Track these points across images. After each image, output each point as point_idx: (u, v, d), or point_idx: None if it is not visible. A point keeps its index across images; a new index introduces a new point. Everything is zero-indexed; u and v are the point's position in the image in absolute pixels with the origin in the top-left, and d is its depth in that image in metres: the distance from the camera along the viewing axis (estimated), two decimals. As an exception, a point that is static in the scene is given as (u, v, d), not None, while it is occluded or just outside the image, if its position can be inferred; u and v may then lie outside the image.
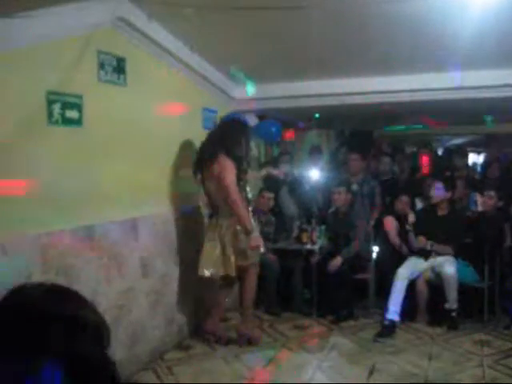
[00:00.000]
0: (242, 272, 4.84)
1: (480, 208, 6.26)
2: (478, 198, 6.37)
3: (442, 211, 5.83)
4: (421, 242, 5.73)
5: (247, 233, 4.62)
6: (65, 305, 1.01)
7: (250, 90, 5.72)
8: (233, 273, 4.70)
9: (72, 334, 0.96)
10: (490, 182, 6.98)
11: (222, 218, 4.73)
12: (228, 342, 5.01)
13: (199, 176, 4.82)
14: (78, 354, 0.95)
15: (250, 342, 4.97)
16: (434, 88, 5.35)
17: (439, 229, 5.68)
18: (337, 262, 5.81)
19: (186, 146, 5.04)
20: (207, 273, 4.69)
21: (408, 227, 5.91)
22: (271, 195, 6.33)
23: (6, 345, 0.92)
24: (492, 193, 5.88)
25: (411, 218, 5.96)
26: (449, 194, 5.83)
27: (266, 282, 5.93)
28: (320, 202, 7.17)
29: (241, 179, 4.68)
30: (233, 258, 4.66)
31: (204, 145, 4.80)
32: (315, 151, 8.14)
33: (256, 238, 4.71)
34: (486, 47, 4.43)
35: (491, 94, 5.31)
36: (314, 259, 5.90)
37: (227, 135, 4.72)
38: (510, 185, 6.74)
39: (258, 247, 4.74)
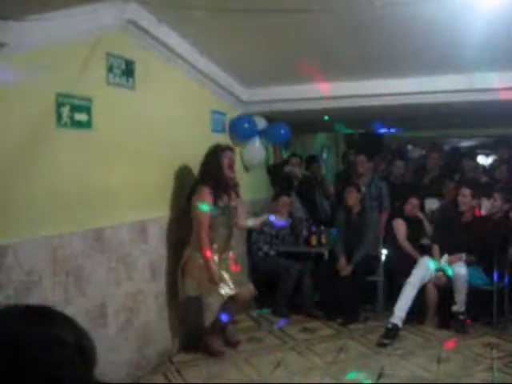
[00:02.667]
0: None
1: (484, 212, 6.22)
2: (483, 203, 6.33)
3: (466, 218, 5.79)
4: (434, 251, 5.71)
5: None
6: (39, 326, 0.98)
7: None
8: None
9: (49, 356, 0.93)
10: (498, 184, 6.94)
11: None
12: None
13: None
14: (57, 376, 0.92)
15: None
16: (444, 90, 5.33)
17: (462, 236, 5.64)
18: (347, 270, 5.81)
19: (195, 148, 5.04)
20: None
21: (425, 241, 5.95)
22: (289, 200, 6.33)
23: None
24: (498, 195, 5.83)
25: (427, 226, 6.01)
26: (474, 202, 5.78)
27: (280, 285, 5.95)
28: (328, 205, 7.18)
29: (219, 205, 4.57)
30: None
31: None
32: (310, 160, 7.94)
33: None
34: (496, 49, 4.42)
35: (501, 97, 5.28)
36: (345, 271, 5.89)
37: (203, 163, 4.66)
38: None
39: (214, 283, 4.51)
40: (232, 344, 5.01)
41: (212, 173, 4.57)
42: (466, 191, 5.72)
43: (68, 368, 0.94)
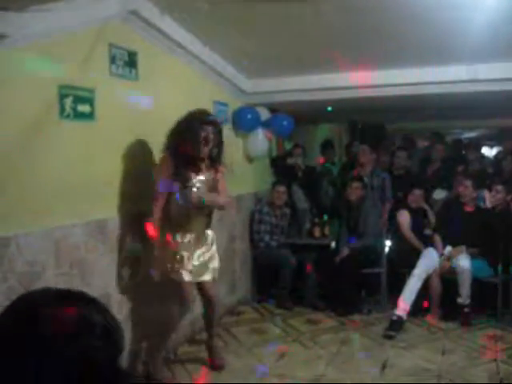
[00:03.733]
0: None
1: (488, 204, 6.21)
2: (486, 195, 6.32)
3: (469, 208, 5.78)
4: (437, 243, 5.70)
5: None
6: (67, 307, 0.97)
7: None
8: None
9: (75, 336, 0.92)
10: (504, 175, 6.91)
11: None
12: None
13: None
14: (83, 357, 0.91)
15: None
16: (447, 81, 5.29)
17: (464, 226, 5.64)
18: (343, 253, 5.80)
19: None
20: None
21: (428, 231, 5.93)
22: (284, 189, 6.32)
23: (11, 347, 0.90)
24: (499, 187, 5.80)
25: (431, 217, 5.98)
26: (475, 193, 5.78)
27: (280, 276, 5.95)
28: (332, 195, 7.18)
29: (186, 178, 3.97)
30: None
31: None
32: (327, 145, 8.24)
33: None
34: (500, 39, 4.38)
35: (505, 87, 5.25)
36: (341, 255, 5.88)
37: (172, 131, 4.04)
38: None
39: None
40: (215, 367, 4.35)
41: (184, 148, 3.97)
42: (468, 182, 5.71)
43: (95, 351, 0.93)
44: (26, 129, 3.13)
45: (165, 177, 3.93)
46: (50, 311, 0.94)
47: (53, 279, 3.30)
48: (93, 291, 3.60)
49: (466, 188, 5.69)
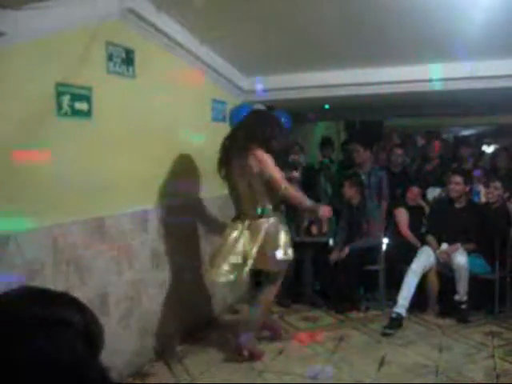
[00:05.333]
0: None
1: (483, 199, 6.22)
2: (481, 190, 6.32)
3: (459, 204, 5.79)
4: (431, 243, 5.71)
5: (311, 209, 4.51)
6: (41, 306, 0.94)
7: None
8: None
9: (47, 336, 0.89)
10: (498, 172, 6.91)
11: (248, 218, 4.39)
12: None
13: (223, 173, 4.52)
14: (55, 358, 0.88)
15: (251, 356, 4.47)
16: (446, 78, 5.30)
17: (457, 222, 5.64)
18: (342, 253, 5.80)
19: (196, 137, 5.03)
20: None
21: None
22: None
23: None
24: (497, 183, 5.81)
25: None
26: (467, 188, 5.78)
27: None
28: (330, 193, 7.19)
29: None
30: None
31: (230, 139, 4.49)
32: (326, 142, 8.25)
33: (323, 207, 4.51)
34: (498, 36, 4.39)
35: (503, 84, 5.26)
36: (334, 256, 5.87)
37: (260, 128, 4.35)
38: None
39: (328, 213, 4.53)
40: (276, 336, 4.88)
41: (273, 145, 4.33)
42: (458, 178, 5.71)
43: (68, 349, 0.90)
44: (24, 127, 3.14)
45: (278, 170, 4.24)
46: (26, 311, 0.93)
47: (51, 277, 3.31)
48: (90, 289, 3.64)
49: (457, 184, 5.70)
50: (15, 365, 0.85)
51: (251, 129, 4.37)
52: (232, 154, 4.40)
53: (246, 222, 4.37)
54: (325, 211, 4.47)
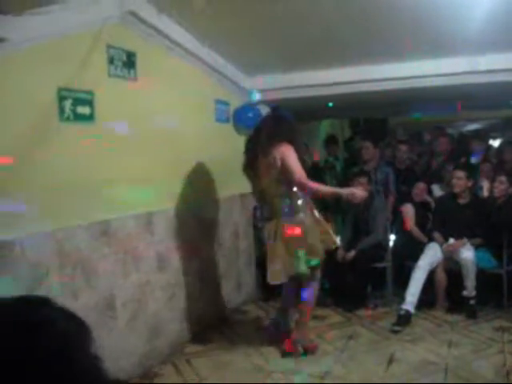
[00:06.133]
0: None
1: (486, 194, 6.18)
2: (485, 184, 6.29)
3: (463, 200, 5.76)
4: (437, 239, 5.69)
5: (335, 194, 4.53)
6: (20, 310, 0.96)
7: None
8: (306, 270, 4.35)
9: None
10: (505, 166, 6.88)
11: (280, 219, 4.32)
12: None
13: (249, 173, 4.51)
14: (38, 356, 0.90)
15: (305, 350, 4.55)
16: (448, 73, 5.28)
17: (461, 218, 5.62)
18: (349, 255, 5.78)
19: (200, 138, 5.03)
20: (283, 278, 4.38)
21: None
22: None
23: None
24: (503, 178, 5.77)
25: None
26: (470, 183, 5.76)
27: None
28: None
29: None
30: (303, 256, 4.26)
31: (253, 141, 4.46)
32: (331, 140, 8.26)
33: (352, 191, 4.43)
34: (499, 30, 4.37)
35: (504, 78, 5.23)
36: (341, 255, 5.85)
37: (281, 128, 4.33)
38: None
39: (363, 195, 4.48)
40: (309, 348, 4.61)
41: (299, 149, 4.34)
42: (460, 173, 5.68)
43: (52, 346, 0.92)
44: (27, 132, 3.14)
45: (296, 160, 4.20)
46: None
47: (57, 281, 3.32)
48: (97, 293, 3.65)
49: (459, 179, 5.67)
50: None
51: (273, 127, 4.33)
52: (257, 153, 4.36)
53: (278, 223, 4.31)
54: (359, 193, 4.39)
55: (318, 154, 8.01)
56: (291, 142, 4.27)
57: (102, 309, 3.73)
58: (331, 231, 4.55)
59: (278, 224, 4.29)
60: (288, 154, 4.17)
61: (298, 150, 4.27)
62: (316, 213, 4.44)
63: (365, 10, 4.16)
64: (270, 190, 4.36)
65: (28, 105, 3.15)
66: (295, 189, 4.27)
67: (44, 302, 1.01)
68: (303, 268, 4.30)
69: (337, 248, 5.93)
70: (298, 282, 4.51)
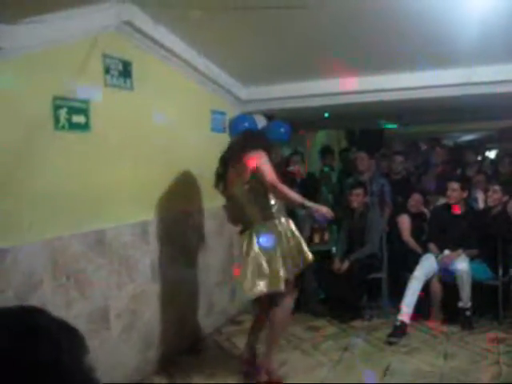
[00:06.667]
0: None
1: (482, 205, 6.19)
2: (480, 196, 6.30)
3: (458, 211, 5.76)
4: (432, 250, 5.68)
5: (303, 206, 3.97)
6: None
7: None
8: (281, 287, 4.03)
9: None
10: (501, 178, 6.90)
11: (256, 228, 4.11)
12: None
13: (221, 187, 4.34)
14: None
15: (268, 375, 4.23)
16: (443, 84, 5.30)
17: (456, 229, 5.61)
18: (343, 266, 5.77)
19: (196, 148, 5.03)
20: (263, 289, 4.02)
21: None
22: None
23: None
24: (496, 187, 5.77)
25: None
26: (465, 194, 5.76)
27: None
28: (331, 202, 7.17)
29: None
30: (282, 271, 4.01)
31: (227, 152, 4.32)
32: (326, 151, 8.28)
33: (319, 207, 4.02)
34: (495, 42, 4.38)
35: (501, 89, 5.25)
36: (335, 266, 5.83)
37: (253, 140, 4.23)
38: None
39: (326, 214, 3.98)
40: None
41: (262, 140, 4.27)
42: (454, 185, 5.69)
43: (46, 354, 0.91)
44: (21, 140, 3.14)
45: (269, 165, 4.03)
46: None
47: (50, 291, 3.30)
48: (91, 303, 3.63)
49: (454, 190, 5.67)
50: None
51: (245, 140, 4.26)
52: (228, 165, 4.25)
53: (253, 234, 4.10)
54: (321, 211, 3.98)
55: (304, 168, 7.93)
56: (264, 150, 4.12)
57: (96, 319, 3.70)
58: (304, 246, 4.24)
59: (252, 236, 4.09)
60: (260, 159, 4.01)
61: (271, 159, 4.11)
62: (291, 224, 4.26)
63: (361, 22, 4.17)
64: (241, 200, 4.20)
65: (23, 113, 3.14)
66: (269, 196, 4.11)
67: (38, 312, 1.00)
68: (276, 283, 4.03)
69: (333, 258, 5.95)
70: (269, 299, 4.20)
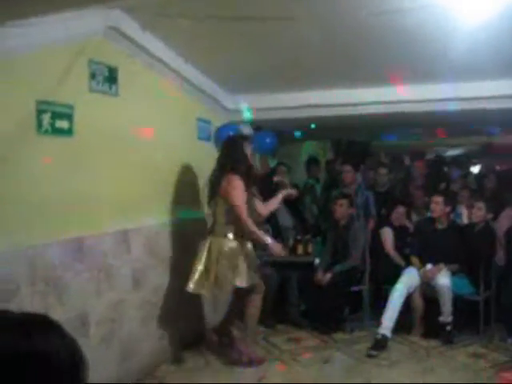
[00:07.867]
0: (243, 294, 4.70)
1: (466, 220, 6.22)
2: (463, 211, 6.33)
3: (441, 225, 5.79)
4: (415, 264, 5.69)
5: (261, 241, 4.64)
6: (19, 336, 0.90)
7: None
8: (227, 293, 4.78)
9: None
10: (485, 193, 6.93)
11: (217, 237, 4.59)
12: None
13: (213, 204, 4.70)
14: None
15: (251, 362, 4.72)
16: (429, 99, 5.33)
17: (438, 243, 5.63)
18: (325, 278, 5.75)
19: (181, 156, 5.01)
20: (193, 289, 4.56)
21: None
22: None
23: None
24: (481, 204, 5.80)
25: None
26: (448, 208, 5.78)
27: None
28: (315, 213, 7.18)
29: (251, 195, 4.69)
30: (229, 277, 4.49)
31: (213, 171, 4.71)
32: (312, 162, 8.28)
33: (275, 244, 4.71)
34: (481, 58, 4.42)
35: (487, 105, 5.29)
36: (318, 278, 5.82)
37: (229, 154, 4.62)
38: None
39: (279, 253, 4.79)
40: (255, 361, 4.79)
41: (242, 165, 4.57)
42: (438, 198, 5.72)
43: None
44: (3, 144, 3.09)
45: (243, 199, 4.49)
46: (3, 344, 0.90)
47: (28, 297, 3.25)
48: (69, 310, 3.57)
49: (437, 204, 5.70)
50: None
51: (223, 157, 4.67)
52: (215, 184, 4.63)
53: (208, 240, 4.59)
54: (276, 249, 4.70)
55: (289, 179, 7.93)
56: (238, 171, 4.52)
57: (75, 326, 3.65)
58: (244, 269, 4.54)
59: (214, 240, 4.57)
60: (234, 194, 4.45)
61: (245, 180, 4.52)
62: (248, 244, 4.67)
63: (348, 35, 4.19)
64: (216, 209, 4.64)
65: (5, 117, 3.10)
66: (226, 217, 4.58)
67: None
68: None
69: (315, 269, 5.93)
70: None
